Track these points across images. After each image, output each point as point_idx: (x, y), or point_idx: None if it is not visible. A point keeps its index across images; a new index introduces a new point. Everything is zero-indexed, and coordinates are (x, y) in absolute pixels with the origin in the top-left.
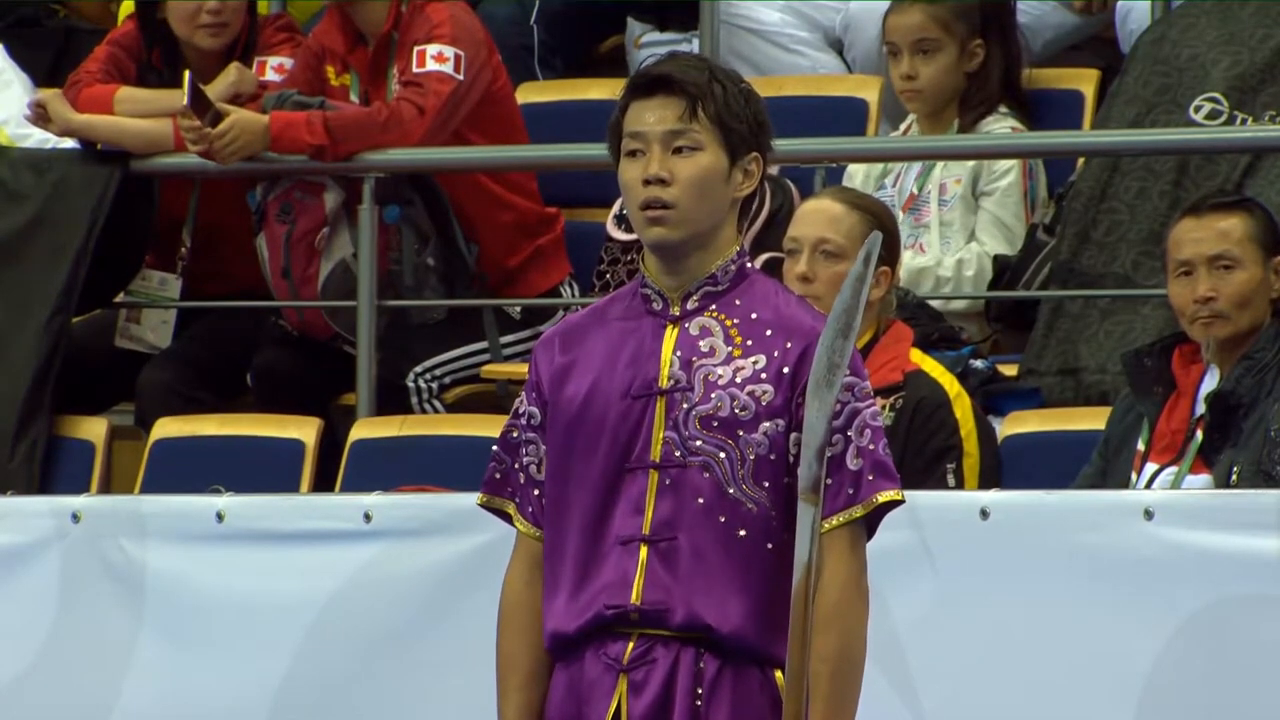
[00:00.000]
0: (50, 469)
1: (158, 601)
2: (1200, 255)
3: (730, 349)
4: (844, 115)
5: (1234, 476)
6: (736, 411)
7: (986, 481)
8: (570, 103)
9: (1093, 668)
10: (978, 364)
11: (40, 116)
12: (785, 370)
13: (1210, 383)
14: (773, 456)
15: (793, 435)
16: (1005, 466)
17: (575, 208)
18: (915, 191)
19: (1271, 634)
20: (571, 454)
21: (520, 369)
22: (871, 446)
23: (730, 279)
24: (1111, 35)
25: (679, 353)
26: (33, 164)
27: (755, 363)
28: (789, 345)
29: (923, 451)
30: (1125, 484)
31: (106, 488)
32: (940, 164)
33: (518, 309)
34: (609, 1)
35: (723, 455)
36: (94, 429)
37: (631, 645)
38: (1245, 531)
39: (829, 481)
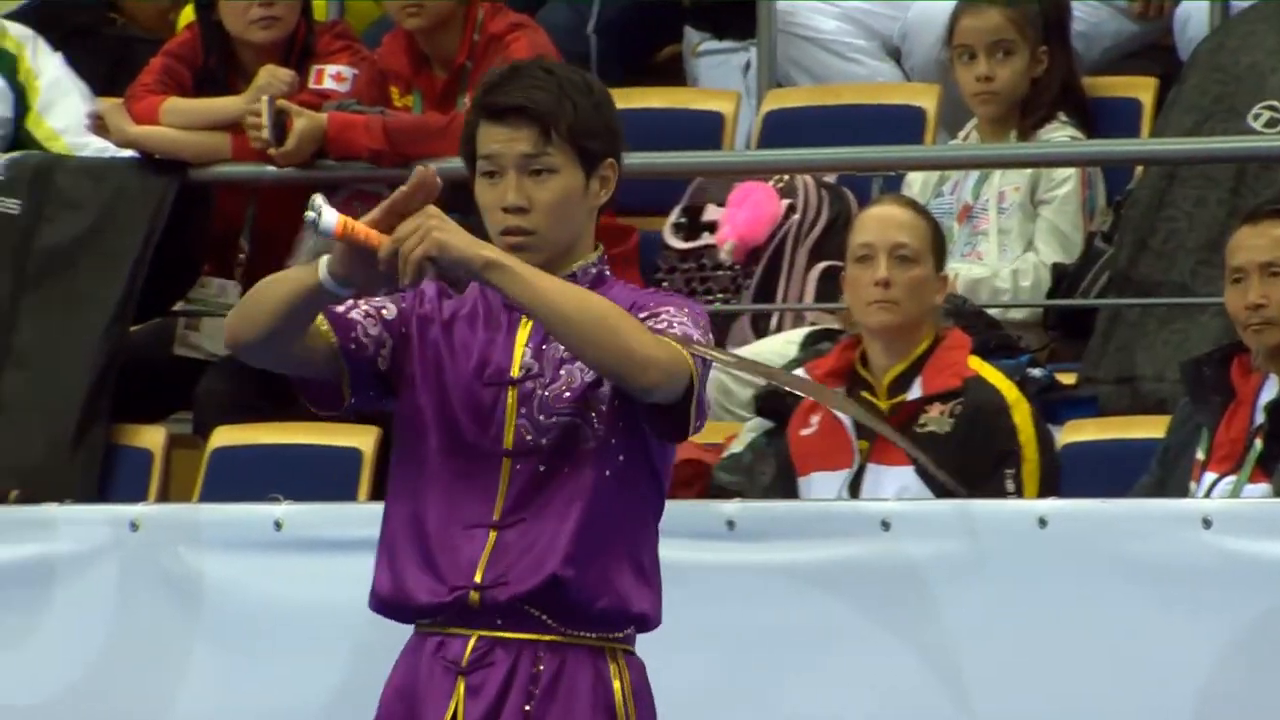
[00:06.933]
0: (108, 477)
1: (215, 610)
2: (1253, 262)
3: None
4: (901, 123)
5: None
6: (585, 377)
7: (1045, 489)
8: (628, 111)
9: (1150, 677)
10: (1035, 372)
11: (99, 128)
12: None
13: (1270, 392)
14: (604, 387)
15: None
16: (1062, 475)
17: (632, 215)
18: (971, 201)
19: None
20: (424, 433)
21: None
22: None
23: (590, 281)
24: (1170, 43)
25: (530, 345)
26: (90, 172)
27: None
28: None
29: (983, 457)
30: (1184, 493)
31: (165, 496)
32: (999, 171)
33: None
34: (667, 9)
35: (578, 420)
36: (152, 437)
37: (471, 646)
38: None
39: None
